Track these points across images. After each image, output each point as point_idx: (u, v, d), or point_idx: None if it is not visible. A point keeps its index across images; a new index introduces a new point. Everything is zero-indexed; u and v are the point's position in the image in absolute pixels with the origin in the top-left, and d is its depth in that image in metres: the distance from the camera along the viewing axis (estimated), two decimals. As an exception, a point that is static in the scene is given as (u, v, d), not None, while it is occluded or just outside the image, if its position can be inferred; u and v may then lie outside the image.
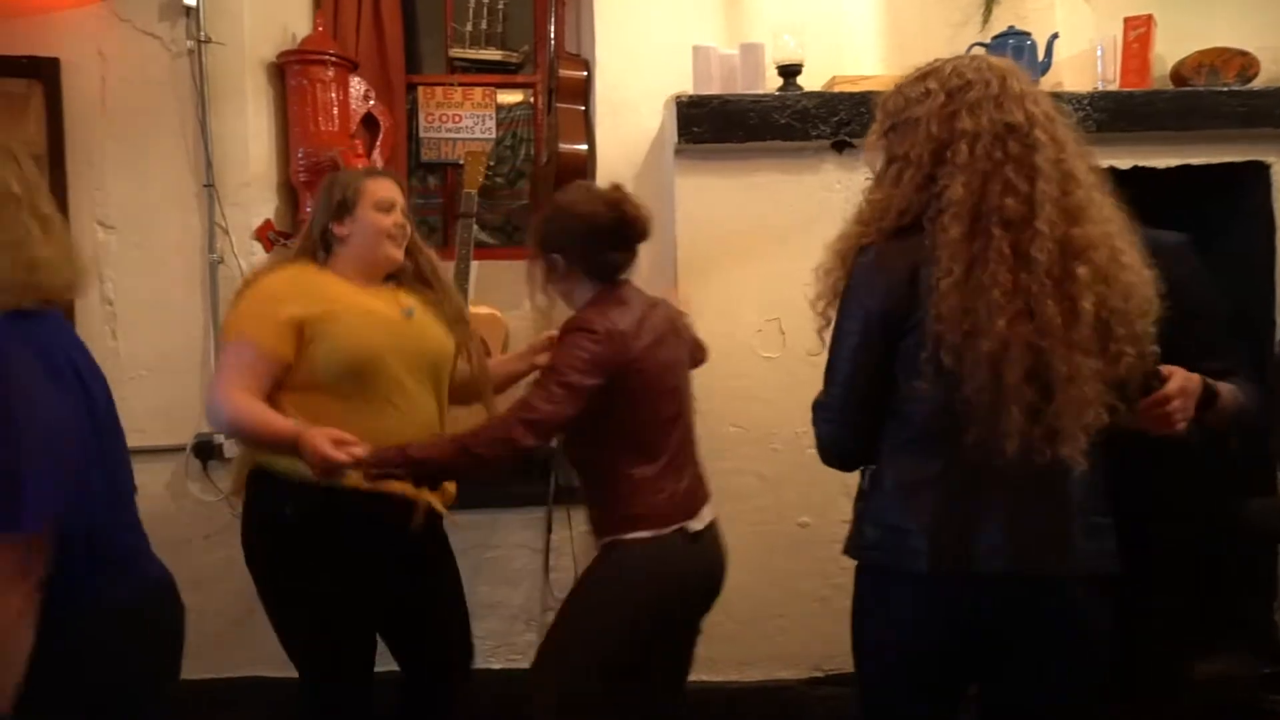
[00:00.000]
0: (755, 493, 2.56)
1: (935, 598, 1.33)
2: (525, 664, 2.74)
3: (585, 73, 2.72)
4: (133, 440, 2.72)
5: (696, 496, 1.84)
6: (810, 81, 2.56)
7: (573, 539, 2.69)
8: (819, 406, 1.48)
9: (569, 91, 2.71)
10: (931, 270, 1.26)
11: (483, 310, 2.81)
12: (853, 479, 2.45)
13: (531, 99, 3.11)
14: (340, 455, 1.55)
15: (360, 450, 1.57)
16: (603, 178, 2.70)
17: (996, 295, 1.22)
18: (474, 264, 2.79)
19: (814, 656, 2.61)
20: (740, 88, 2.51)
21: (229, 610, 2.69)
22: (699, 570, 1.83)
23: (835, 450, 1.50)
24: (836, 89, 2.51)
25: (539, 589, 2.71)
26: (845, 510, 2.55)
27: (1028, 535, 1.30)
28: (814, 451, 2.52)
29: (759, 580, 2.55)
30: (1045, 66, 2.54)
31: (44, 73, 2.62)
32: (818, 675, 2.61)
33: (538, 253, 1.82)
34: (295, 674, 2.69)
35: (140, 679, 1.38)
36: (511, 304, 2.96)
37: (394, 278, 1.93)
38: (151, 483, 2.67)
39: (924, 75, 1.37)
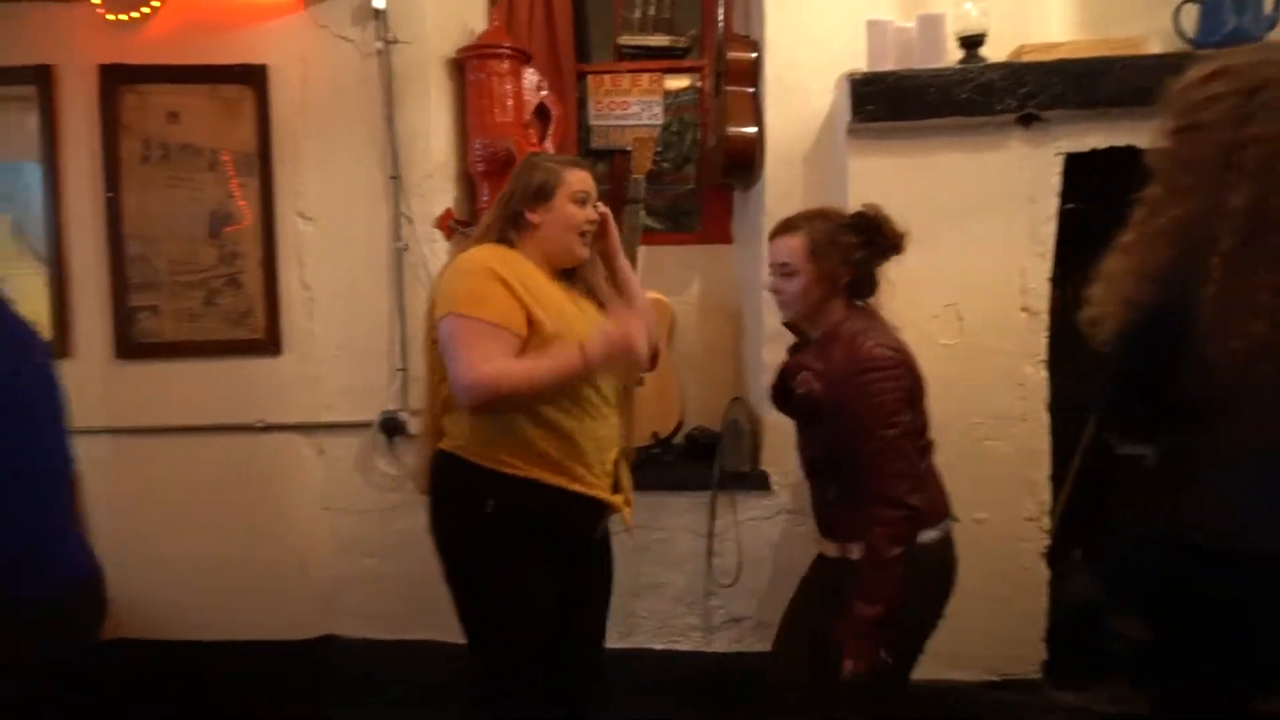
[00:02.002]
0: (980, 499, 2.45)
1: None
2: (686, 646, 2.78)
3: (754, 54, 2.68)
4: (324, 416, 2.96)
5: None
6: (994, 52, 2.41)
7: (736, 524, 2.68)
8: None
9: (737, 74, 2.68)
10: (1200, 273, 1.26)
11: (650, 296, 2.84)
12: (1034, 473, 2.31)
13: (698, 83, 3.10)
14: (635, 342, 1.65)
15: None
16: (772, 161, 2.65)
17: (1265, 298, 1.21)
18: (641, 249, 2.82)
19: (990, 659, 2.48)
20: (917, 62, 2.39)
21: (409, 577, 2.87)
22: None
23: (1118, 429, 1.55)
24: (1025, 59, 2.35)
25: (701, 573, 2.72)
26: (1026, 506, 2.44)
27: None
28: (992, 443, 2.43)
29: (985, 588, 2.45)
30: (1271, 22, 2.28)
31: (254, 79, 2.86)
32: (993, 679, 2.48)
33: (812, 264, 1.79)
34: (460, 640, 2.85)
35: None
36: (678, 289, 2.98)
37: (568, 274, 1.90)
38: (342, 456, 2.89)
39: (1212, 75, 1.31)
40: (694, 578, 2.74)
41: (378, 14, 2.76)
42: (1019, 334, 2.41)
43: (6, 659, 1.35)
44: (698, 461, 2.76)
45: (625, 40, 3.09)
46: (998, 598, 2.42)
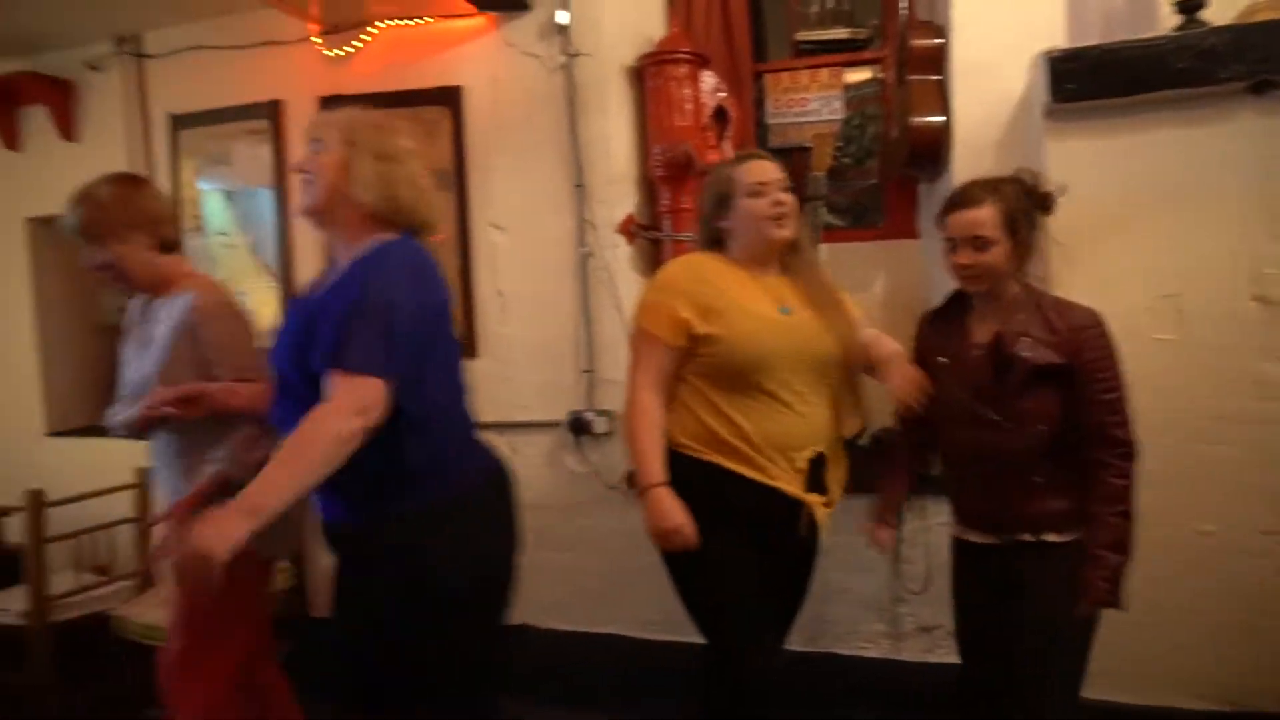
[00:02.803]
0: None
1: None
2: (874, 653, 2.70)
3: (940, 40, 2.57)
4: (516, 415, 3.11)
5: None
6: (1217, 15, 2.18)
7: (925, 529, 2.57)
8: None
9: (922, 61, 2.58)
10: None
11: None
12: (1273, 480, 2.08)
13: (880, 75, 3.01)
14: (675, 540, 1.78)
15: None
16: (961, 149, 2.53)
17: None
18: (822, 247, 2.77)
19: (1225, 687, 2.23)
20: (1124, 33, 2.21)
21: (597, 571, 2.97)
22: None
23: None
24: (1257, 19, 2.11)
25: (889, 579, 2.64)
26: (1262, 518, 2.18)
27: None
28: (1217, 448, 2.19)
29: (1148, 592, 2.24)
30: None
31: (450, 100, 3.06)
32: (1226, 710, 2.24)
33: (1008, 233, 1.75)
34: (651, 635, 2.92)
35: None
36: (861, 287, 2.91)
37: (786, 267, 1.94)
38: (533, 454, 3.03)
39: None
40: (882, 584, 2.66)
41: (561, 29, 2.87)
42: (1251, 326, 2.17)
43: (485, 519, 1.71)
44: (884, 464, 2.67)
45: (803, 36, 3.05)
46: (1232, 619, 2.19)
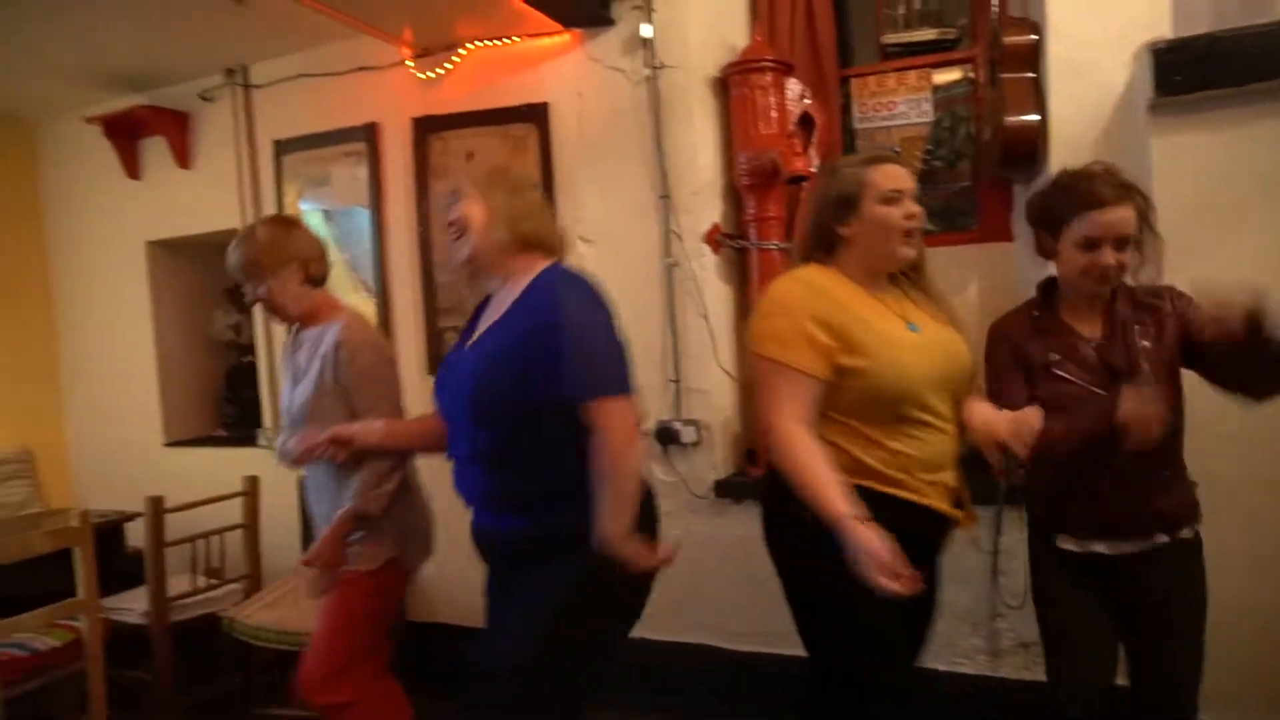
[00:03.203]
0: (1250, 500, 2.14)
1: None
2: (970, 669, 2.61)
3: (1034, 36, 2.49)
4: (607, 424, 3.09)
5: None
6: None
7: (1024, 541, 2.48)
8: None
9: (1015, 58, 2.50)
10: None
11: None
12: None
13: (971, 74, 2.94)
14: (893, 586, 1.42)
15: None
16: (1057, 149, 2.45)
17: None
18: (911, 252, 2.72)
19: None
20: (1234, 21, 2.11)
21: (681, 580, 2.96)
22: None
23: None
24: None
25: (987, 593, 2.55)
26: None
27: None
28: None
29: (1261, 604, 2.12)
30: None
31: (537, 116, 3.12)
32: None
33: (1144, 231, 1.71)
34: (740, 647, 2.89)
35: None
36: (955, 290, 2.83)
37: (894, 278, 1.79)
38: (622, 462, 3.04)
39: None
40: (979, 597, 2.58)
41: (645, 43, 2.91)
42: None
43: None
44: (981, 473, 2.59)
45: (890, 39, 3.01)
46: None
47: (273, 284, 2.17)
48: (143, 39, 3.27)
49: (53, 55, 3.39)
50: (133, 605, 3.04)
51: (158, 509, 2.92)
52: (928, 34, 2.96)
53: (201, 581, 3.09)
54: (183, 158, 3.85)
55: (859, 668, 1.70)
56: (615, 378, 1.67)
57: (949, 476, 1.73)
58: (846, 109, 3.06)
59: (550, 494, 1.73)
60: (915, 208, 1.71)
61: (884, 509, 1.58)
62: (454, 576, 3.25)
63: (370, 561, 2.12)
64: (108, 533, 3.35)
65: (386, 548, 2.13)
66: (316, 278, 2.25)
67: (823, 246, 1.76)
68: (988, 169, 2.71)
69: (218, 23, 3.09)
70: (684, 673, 2.97)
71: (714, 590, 2.92)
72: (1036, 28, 2.50)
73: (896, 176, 1.71)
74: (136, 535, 3.25)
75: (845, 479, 1.59)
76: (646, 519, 1.78)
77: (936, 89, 2.96)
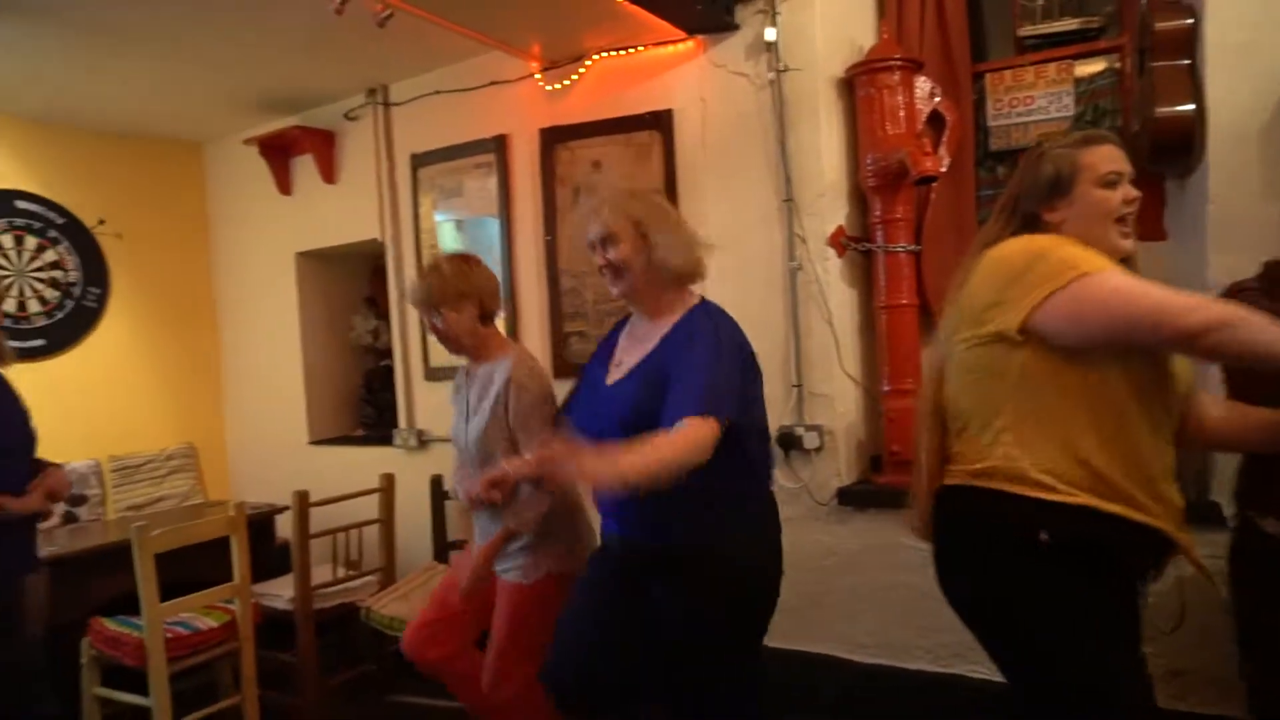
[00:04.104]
0: None
1: None
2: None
3: (1189, 20, 2.33)
4: (729, 429, 3.08)
5: None
6: None
7: (1177, 562, 2.31)
8: None
9: (1168, 45, 2.35)
10: None
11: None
12: None
13: (1117, 64, 2.77)
14: None
15: None
16: (1216, 140, 2.28)
17: None
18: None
19: None
20: None
21: (804, 588, 2.91)
22: None
23: None
24: None
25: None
26: None
27: None
28: None
29: None
30: None
31: (661, 123, 3.15)
32: None
33: None
34: (862, 658, 2.81)
35: None
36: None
37: None
38: (743, 468, 3.03)
39: None
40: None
41: (769, 46, 2.89)
42: None
43: None
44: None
45: (1027, 31, 2.87)
46: None
47: (449, 316, 2.31)
48: (295, 65, 3.51)
49: (218, 84, 3.68)
50: (280, 592, 3.24)
51: (303, 503, 3.11)
52: (1069, 24, 2.81)
53: (341, 572, 3.27)
54: (328, 173, 4.09)
55: (1116, 697, 1.45)
56: (724, 405, 1.72)
57: (1175, 492, 1.51)
58: (980, 106, 2.95)
59: (709, 505, 1.83)
60: (1134, 192, 1.55)
61: (1103, 531, 1.41)
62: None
63: (528, 574, 2.26)
64: (259, 524, 3.59)
65: (546, 562, 2.26)
66: (490, 313, 2.38)
67: (1024, 228, 1.56)
68: (1137, 164, 2.54)
69: (361, 46, 3.28)
70: (803, 682, 2.91)
71: (836, 599, 2.86)
72: (1192, 11, 2.34)
73: (1114, 158, 1.57)
74: (284, 527, 3.47)
75: (1066, 494, 1.42)
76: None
77: (1078, 81, 2.81)
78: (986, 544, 1.52)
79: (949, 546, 1.60)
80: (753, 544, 1.92)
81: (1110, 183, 1.54)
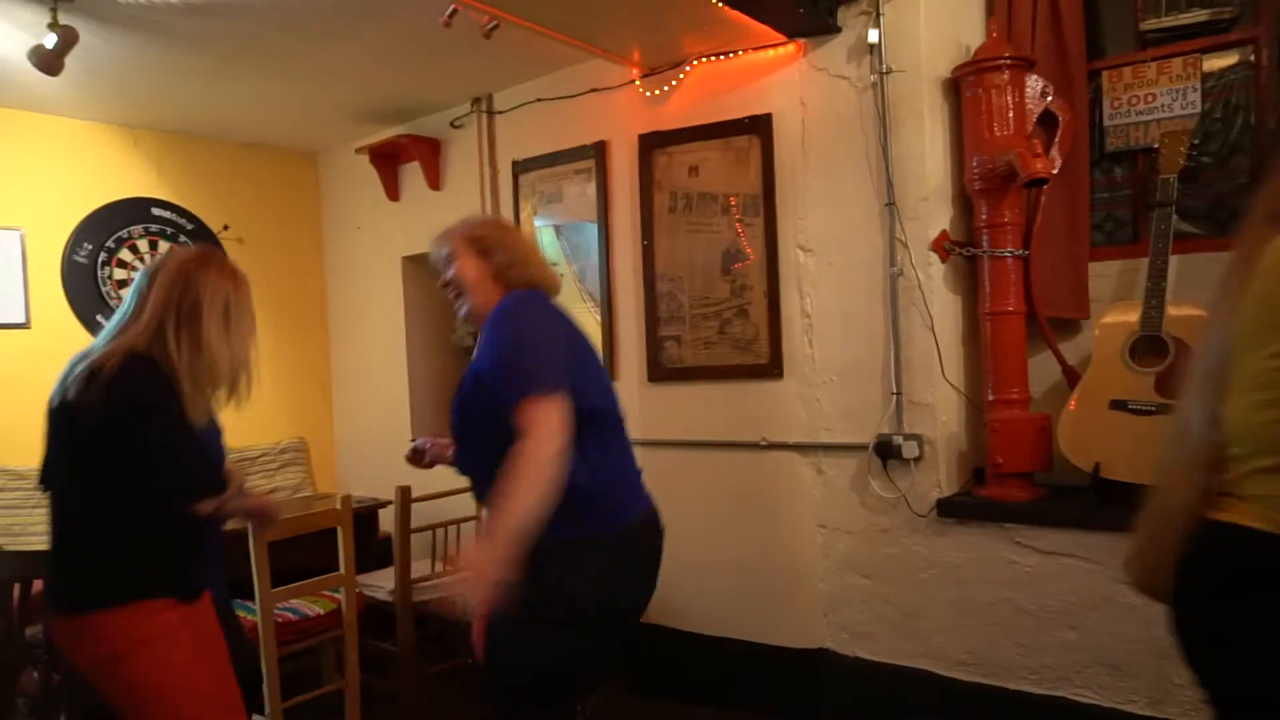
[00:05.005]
0: None
1: None
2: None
3: (1332, 9, 2.18)
4: (821, 437, 3.08)
5: None
6: None
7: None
8: None
9: (1307, 36, 2.20)
10: None
11: (1184, 311, 2.46)
12: None
13: (1251, 57, 2.61)
14: None
15: None
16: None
17: None
18: (1172, 259, 2.47)
19: None
20: None
21: (901, 601, 2.84)
22: None
23: None
24: None
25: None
26: None
27: None
28: None
29: None
30: None
31: (760, 128, 3.14)
32: None
33: None
34: (961, 676, 2.72)
35: None
36: (1222, 302, 2.52)
37: None
38: (838, 476, 2.98)
39: None
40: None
41: (872, 48, 2.84)
42: None
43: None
44: None
45: (1150, 24, 2.73)
46: None
47: None
48: (404, 77, 3.65)
49: (333, 97, 3.86)
50: (382, 583, 3.36)
51: (405, 498, 3.22)
52: (1199, 15, 2.66)
53: (439, 567, 3.36)
54: (434, 180, 4.23)
55: None
56: (546, 377, 1.72)
57: None
58: (1096, 104, 2.82)
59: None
60: None
61: None
62: (680, 581, 3.33)
63: None
64: (364, 517, 3.73)
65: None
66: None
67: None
68: (1273, 164, 2.39)
69: (466, 57, 3.38)
70: (896, 697, 2.84)
71: (932, 614, 2.78)
72: (1336, -1, 2.18)
73: None
74: (387, 521, 3.59)
75: None
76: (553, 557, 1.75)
77: (1206, 76, 2.66)
78: (1262, 605, 1.24)
79: (1213, 598, 1.31)
80: (576, 561, 1.84)
81: None
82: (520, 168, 3.87)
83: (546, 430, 1.67)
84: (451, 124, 4.10)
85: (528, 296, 1.93)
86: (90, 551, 1.76)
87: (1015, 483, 2.68)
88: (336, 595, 2.99)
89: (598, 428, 1.86)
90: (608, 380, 2.04)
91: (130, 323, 1.81)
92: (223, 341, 1.83)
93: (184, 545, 1.86)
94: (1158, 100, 2.71)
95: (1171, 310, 2.46)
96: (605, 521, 1.84)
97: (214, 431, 2.00)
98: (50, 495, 1.84)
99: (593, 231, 3.64)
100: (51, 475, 1.84)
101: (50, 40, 2.76)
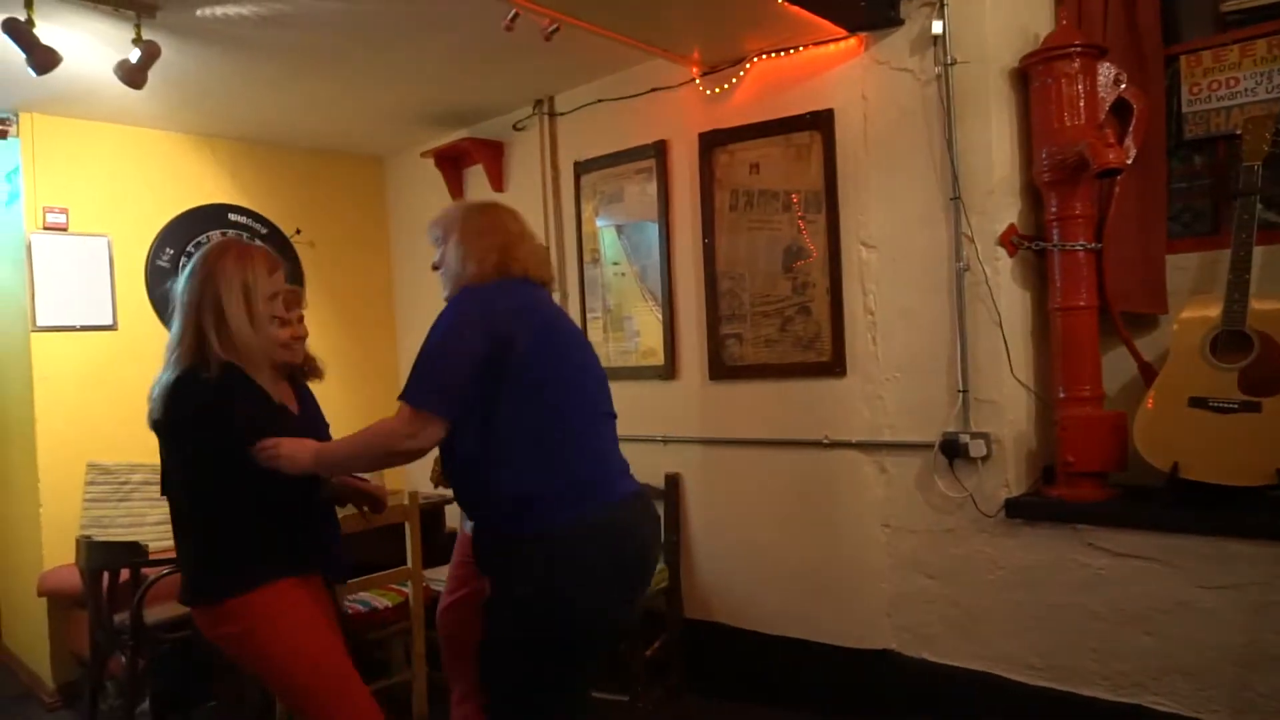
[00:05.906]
0: None
1: None
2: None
3: None
4: (885, 435, 3.04)
5: None
6: None
7: None
8: None
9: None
10: None
11: (1269, 305, 2.36)
12: None
13: (1340, 38, 2.49)
14: None
15: None
16: None
17: None
18: (1256, 250, 2.37)
19: None
20: None
21: (966, 603, 2.79)
22: None
23: None
24: None
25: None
26: None
27: None
28: None
29: None
30: None
31: (821, 123, 3.10)
32: None
33: None
34: (1029, 680, 2.66)
35: None
36: (1311, 295, 2.42)
37: None
38: (902, 475, 2.94)
39: None
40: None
41: (935, 40, 2.79)
42: None
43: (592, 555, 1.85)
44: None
45: (1232, 5, 2.62)
46: None
47: None
48: (467, 81, 3.71)
49: (397, 102, 3.95)
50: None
51: (470, 494, 3.27)
52: (1282, -4, 2.55)
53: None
54: (497, 182, 4.30)
55: None
56: (423, 395, 1.83)
57: None
58: (1173, 91, 2.72)
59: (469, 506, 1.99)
60: None
61: None
62: (741, 579, 3.33)
63: None
64: (430, 513, 3.81)
65: None
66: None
67: None
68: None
69: (528, 60, 3.43)
70: (960, 701, 2.78)
71: (1001, 615, 2.72)
72: None
73: None
74: (452, 518, 3.66)
75: None
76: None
77: (1292, 60, 2.55)
78: None
79: None
80: (531, 559, 1.87)
81: None
82: (582, 168, 3.90)
83: (405, 432, 1.81)
84: (514, 126, 4.16)
85: (479, 295, 1.97)
86: (212, 550, 1.92)
87: (1087, 482, 2.61)
88: (404, 589, 3.06)
89: (551, 425, 1.88)
90: (588, 374, 2.02)
91: (178, 330, 1.93)
92: (245, 322, 1.91)
93: (294, 529, 1.98)
94: (1240, 84, 2.61)
95: (1255, 304, 2.36)
96: (548, 521, 1.82)
97: (309, 406, 2.23)
98: (169, 501, 1.99)
99: (654, 230, 3.65)
100: (167, 483, 1.99)
101: (134, 55, 2.89)
